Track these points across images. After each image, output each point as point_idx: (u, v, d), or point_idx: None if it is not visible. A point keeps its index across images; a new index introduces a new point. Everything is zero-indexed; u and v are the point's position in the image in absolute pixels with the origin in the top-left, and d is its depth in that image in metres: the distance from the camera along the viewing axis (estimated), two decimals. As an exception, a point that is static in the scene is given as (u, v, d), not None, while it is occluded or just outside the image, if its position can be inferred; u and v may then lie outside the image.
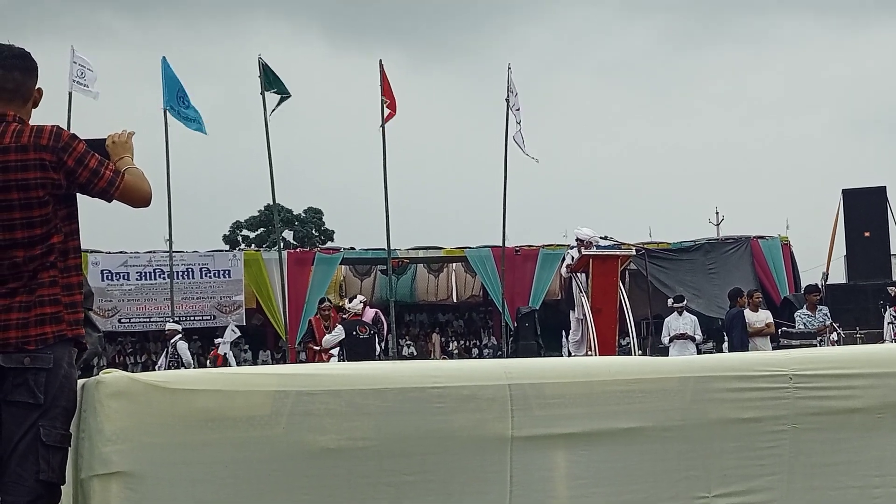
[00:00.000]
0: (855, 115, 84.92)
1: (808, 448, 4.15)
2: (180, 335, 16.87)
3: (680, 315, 15.39)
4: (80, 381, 3.44)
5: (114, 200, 3.41)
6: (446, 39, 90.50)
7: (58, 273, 3.34)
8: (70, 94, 22.77)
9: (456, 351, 31.06)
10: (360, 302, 14.41)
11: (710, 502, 4.01)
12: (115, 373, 3.47)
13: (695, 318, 15.72)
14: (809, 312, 14.59)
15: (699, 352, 14.91)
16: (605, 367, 4.26)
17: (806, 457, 4.14)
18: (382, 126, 24.82)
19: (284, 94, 24.34)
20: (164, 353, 17.95)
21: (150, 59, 25.38)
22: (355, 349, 13.36)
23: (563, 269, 12.06)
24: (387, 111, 24.84)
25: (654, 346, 18.72)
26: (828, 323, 14.40)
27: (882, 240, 20.66)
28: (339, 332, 14.14)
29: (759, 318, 14.50)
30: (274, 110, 24.50)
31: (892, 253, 21.42)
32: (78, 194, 3.41)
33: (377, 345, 14.01)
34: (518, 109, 25.11)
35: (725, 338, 15.43)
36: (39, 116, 3.50)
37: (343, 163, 77.49)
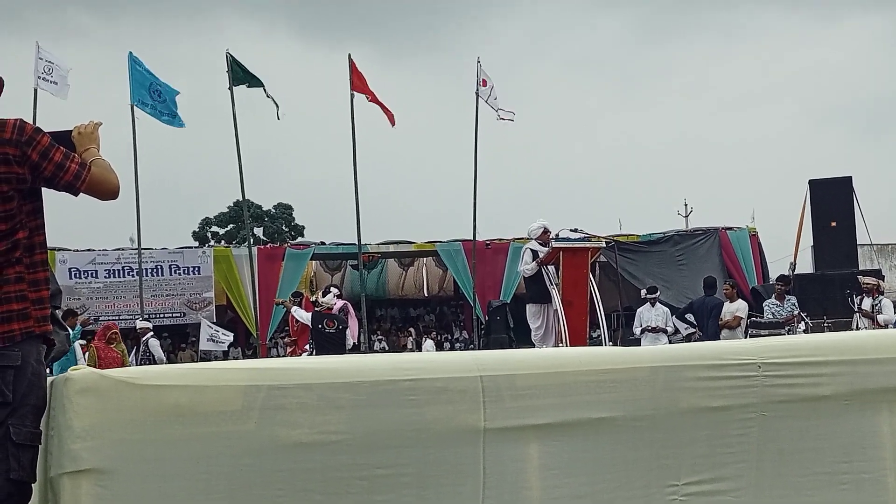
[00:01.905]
0: (821, 107, 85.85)
1: (776, 435, 4.18)
2: (151, 333, 16.82)
3: (652, 306, 15.36)
4: (49, 378, 3.41)
5: (81, 194, 3.37)
6: (416, 34, 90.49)
7: (24, 269, 3.30)
8: (35, 90, 22.51)
9: (411, 347, 30.85)
10: (334, 296, 14.40)
11: (681, 490, 4.04)
12: (84, 369, 3.44)
13: (667, 309, 15.67)
14: (777, 302, 14.69)
15: (671, 343, 14.94)
16: (576, 358, 4.27)
17: (774, 444, 4.18)
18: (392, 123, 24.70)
19: (257, 85, 24.12)
20: (132, 351, 17.83)
21: (118, 55, 25.08)
22: (321, 343, 13.38)
23: (529, 267, 11.92)
24: (380, 112, 24.79)
25: (624, 337, 18.80)
26: (795, 312, 14.51)
27: (848, 229, 20.82)
28: (306, 315, 14.24)
29: (730, 309, 14.54)
30: (274, 103, 24.23)
31: (858, 243, 21.62)
32: (43, 189, 3.37)
33: (348, 339, 14.01)
34: (495, 98, 25.12)
35: (685, 325, 15.36)
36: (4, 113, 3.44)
37: (313, 158, 77.31)
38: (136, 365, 15.76)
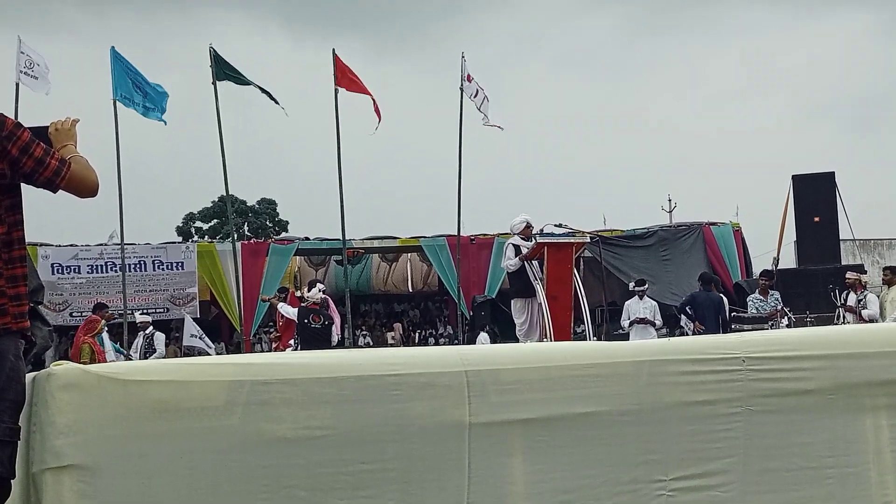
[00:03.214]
0: (806, 104, 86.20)
1: (761, 430, 4.19)
2: (152, 327, 16.94)
3: (640, 299, 15.35)
4: (31, 374, 3.37)
5: (60, 191, 3.33)
6: (404, 29, 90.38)
7: (2, 265, 3.26)
8: (17, 84, 22.37)
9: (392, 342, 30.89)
10: (320, 290, 14.34)
11: (668, 485, 4.04)
12: (67, 365, 3.41)
13: (655, 303, 15.64)
14: (761, 297, 14.74)
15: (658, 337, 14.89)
16: (561, 353, 4.26)
17: (760, 439, 4.19)
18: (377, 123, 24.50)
19: (241, 82, 23.91)
20: (132, 345, 17.88)
21: (103, 50, 24.79)
22: (306, 338, 13.34)
23: (512, 263, 11.86)
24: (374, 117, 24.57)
25: (608, 332, 18.79)
26: (779, 307, 14.56)
27: (831, 225, 20.90)
28: (293, 310, 14.21)
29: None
30: (275, 102, 23.92)
31: (840, 238, 21.71)
32: (22, 185, 3.33)
33: (334, 335, 13.97)
34: (476, 95, 25.02)
35: (686, 319, 15.18)
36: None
37: (297, 153, 77.08)
38: (140, 358, 15.83)
